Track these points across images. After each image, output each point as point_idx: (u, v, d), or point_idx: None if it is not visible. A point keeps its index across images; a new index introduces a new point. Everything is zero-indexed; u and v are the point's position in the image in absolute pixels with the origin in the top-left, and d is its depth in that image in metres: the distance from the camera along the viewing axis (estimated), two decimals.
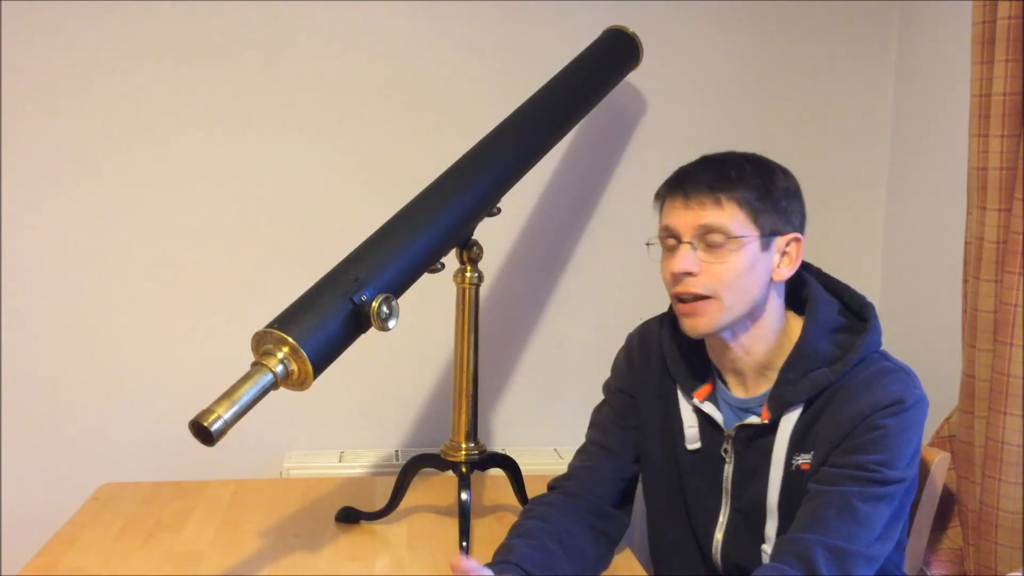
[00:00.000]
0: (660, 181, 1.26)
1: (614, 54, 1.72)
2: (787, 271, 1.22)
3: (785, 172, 1.23)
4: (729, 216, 1.17)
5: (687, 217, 1.18)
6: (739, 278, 1.17)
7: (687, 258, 1.17)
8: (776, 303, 1.23)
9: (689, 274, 1.17)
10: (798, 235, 1.22)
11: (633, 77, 1.83)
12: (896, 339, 1.38)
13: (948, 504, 1.59)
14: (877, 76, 1.98)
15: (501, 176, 1.41)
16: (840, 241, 2.01)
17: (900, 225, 1.97)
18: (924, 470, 1.38)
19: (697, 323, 1.19)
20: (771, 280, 1.21)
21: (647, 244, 1.28)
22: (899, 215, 1.98)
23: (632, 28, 1.75)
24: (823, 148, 1.99)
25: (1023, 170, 1.42)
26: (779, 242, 1.20)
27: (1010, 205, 1.45)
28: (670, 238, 1.21)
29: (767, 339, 1.23)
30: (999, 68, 1.44)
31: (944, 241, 1.79)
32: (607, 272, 1.95)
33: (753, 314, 1.21)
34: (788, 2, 1.94)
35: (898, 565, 1.26)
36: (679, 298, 1.20)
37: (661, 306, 1.37)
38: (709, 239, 1.17)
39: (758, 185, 1.19)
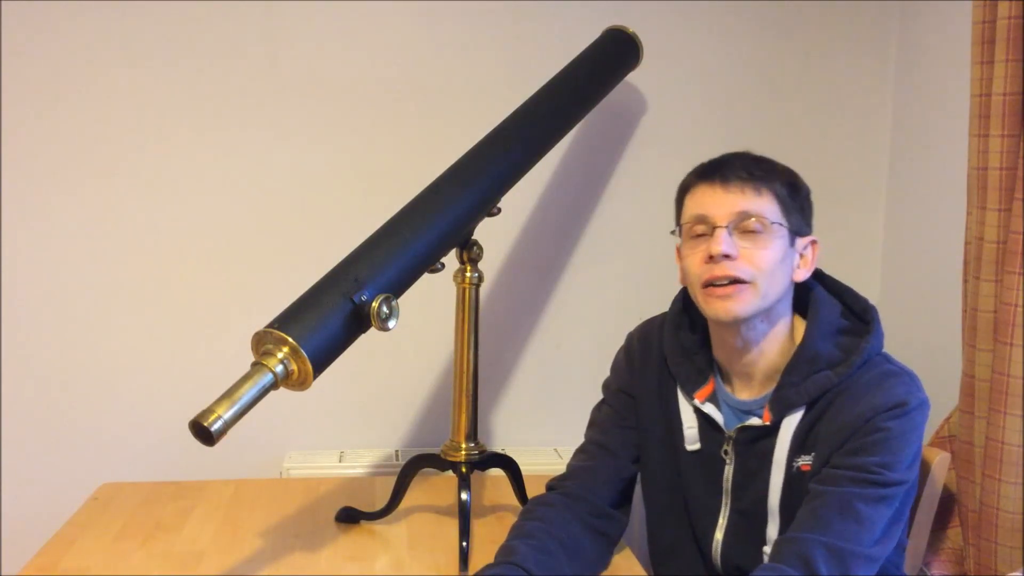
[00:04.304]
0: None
1: (614, 54, 1.72)
2: (804, 272, 1.23)
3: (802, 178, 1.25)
4: (766, 204, 1.17)
5: (725, 202, 1.17)
6: (774, 266, 1.17)
7: (726, 241, 1.16)
8: (788, 304, 1.24)
9: (727, 257, 1.16)
10: (815, 239, 1.23)
11: (633, 77, 1.83)
12: (896, 339, 1.38)
13: (948, 504, 1.59)
14: (877, 76, 1.98)
15: (501, 176, 1.41)
16: (840, 241, 2.00)
17: (900, 225, 1.97)
18: (924, 470, 1.37)
19: (731, 306, 1.16)
20: (790, 280, 1.21)
21: (672, 232, 1.26)
22: (899, 215, 1.98)
23: (632, 28, 1.75)
24: (823, 148, 1.99)
25: (1023, 170, 1.42)
26: (800, 243, 1.22)
27: (1010, 205, 1.45)
28: (700, 225, 1.19)
29: (779, 340, 1.23)
30: (999, 68, 1.44)
31: (944, 241, 1.79)
32: (607, 272, 1.95)
33: (772, 312, 1.20)
34: (788, 2, 1.94)
35: (898, 565, 1.26)
36: (712, 282, 1.17)
37: (661, 306, 1.37)
38: (746, 225, 1.17)
39: (789, 182, 1.21)
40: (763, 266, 1.16)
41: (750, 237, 1.17)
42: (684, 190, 1.25)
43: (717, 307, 1.18)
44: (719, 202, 1.18)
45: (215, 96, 1.78)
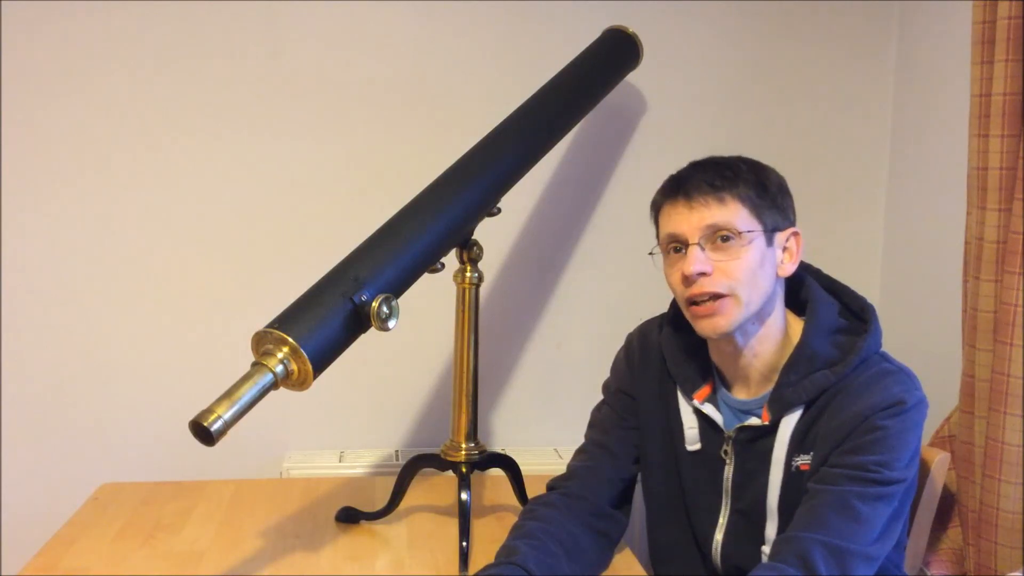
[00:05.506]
0: (660, 181, 1.26)
1: (614, 54, 1.72)
2: (791, 266, 1.23)
3: (773, 169, 1.24)
4: (733, 213, 1.17)
5: (692, 219, 1.18)
6: (753, 273, 1.17)
7: (699, 259, 1.16)
8: (780, 302, 1.24)
9: (703, 274, 1.16)
10: (797, 229, 1.23)
11: (633, 77, 1.83)
12: (896, 339, 1.38)
13: (948, 504, 1.59)
14: (877, 76, 1.98)
15: (501, 176, 1.41)
16: (840, 241, 2.01)
17: (900, 225, 1.97)
18: (924, 470, 1.38)
19: (717, 323, 1.18)
20: (776, 276, 1.21)
21: (650, 254, 1.27)
22: (899, 215, 1.98)
23: (632, 28, 1.75)
24: (823, 148, 1.99)
25: (1023, 170, 1.42)
26: (780, 237, 1.21)
27: (1010, 205, 1.45)
28: (674, 243, 1.20)
29: (773, 340, 1.23)
30: (999, 68, 1.44)
31: (944, 241, 1.79)
32: (607, 272, 1.95)
33: (762, 313, 1.21)
34: (788, 2, 1.94)
35: (898, 565, 1.26)
36: (693, 300, 1.18)
37: (661, 306, 1.37)
38: (716, 238, 1.17)
39: (755, 182, 1.19)
40: (740, 276, 1.16)
41: (723, 249, 1.17)
42: (655, 209, 1.26)
43: (703, 325, 1.19)
44: (686, 219, 1.18)
45: (215, 95, 1.78)
